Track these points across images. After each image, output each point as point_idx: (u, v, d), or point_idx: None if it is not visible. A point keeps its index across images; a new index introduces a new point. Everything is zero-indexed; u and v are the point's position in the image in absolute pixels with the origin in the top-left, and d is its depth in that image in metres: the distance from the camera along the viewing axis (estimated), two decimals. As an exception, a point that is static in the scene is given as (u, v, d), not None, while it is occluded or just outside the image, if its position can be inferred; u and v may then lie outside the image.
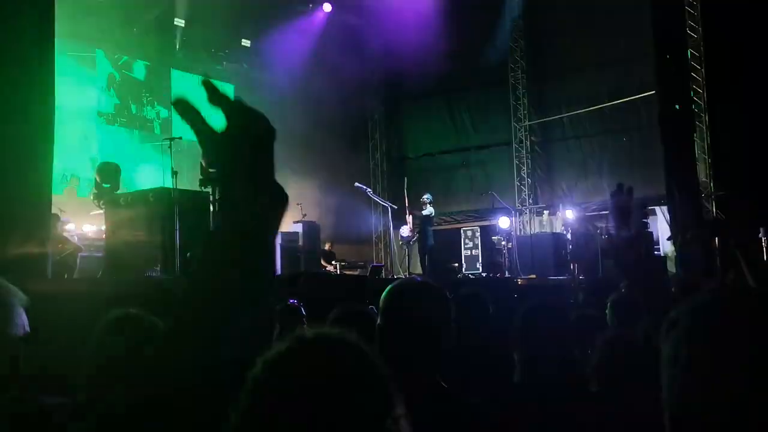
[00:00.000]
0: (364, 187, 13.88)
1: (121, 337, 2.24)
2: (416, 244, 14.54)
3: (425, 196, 14.69)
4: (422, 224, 14.33)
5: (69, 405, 2.24)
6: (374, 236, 20.82)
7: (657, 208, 16.76)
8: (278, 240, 12.25)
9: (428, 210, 14.41)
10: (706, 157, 16.39)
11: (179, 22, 16.74)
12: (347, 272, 15.17)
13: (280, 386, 1.08)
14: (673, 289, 5.21)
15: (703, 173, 16.36)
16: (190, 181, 11.21)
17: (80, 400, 2.23)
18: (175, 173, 9.67)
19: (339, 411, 1.05)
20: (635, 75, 17.46)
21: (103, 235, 10.84)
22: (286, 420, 1.05)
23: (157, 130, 17.25)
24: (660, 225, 16.78)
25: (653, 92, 15.35)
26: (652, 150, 16.20)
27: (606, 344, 2.89)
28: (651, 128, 16.15)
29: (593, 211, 17.53)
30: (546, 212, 17.75)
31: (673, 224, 14.76)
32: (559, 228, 16.05)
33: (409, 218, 14.66)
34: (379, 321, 2.24)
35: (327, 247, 15.40)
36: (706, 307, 1.12)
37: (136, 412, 2.01)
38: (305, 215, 13.87)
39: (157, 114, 17.48)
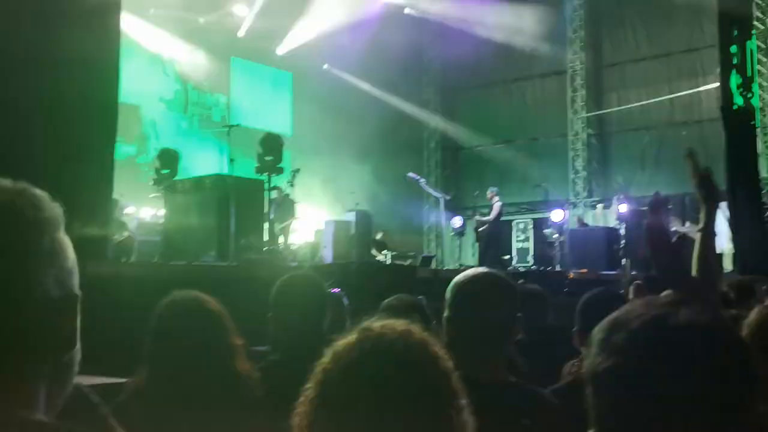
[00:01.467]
0: (417, 177, 13.88)
1: (181, 318, 2.29)
2: (482, 235, 14.37)
3: (492, 189, 14.51)
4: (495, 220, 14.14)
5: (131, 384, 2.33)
6: (426, 226, 20.82)
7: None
8: (331, 228, 12.37)
9: (497, 206, 14.19)
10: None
11: (241, 9, 16.96)
12: (399, 261, 15.22)
13: (347, 378, 1.12)
14: (726, 290, 5.12)
15: (765, 169, 15.95)
16: (246, 168, 11.39)
17: (139, 381, 2.30)
18: (232, 160, 9.83)
19: (404, 402, 1.09)
20: (696, 66, 17.10)
21: (161, 219, 11.11)
22: (353, 411, 1.09)
23: (216, 117, 17.54)
24: (718, 220, 16.41)
25: (716, 84, 15.00)
26: (712, 144, 15.86)
27: None
28: (712, 121, 15.82)
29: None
30: (600, 205, 17.52)
31: (732, 221, 14.43)
32: (613, 222, 15.82)
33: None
34: (446, 312, 2.24)
35: (379, 236, 15.46)
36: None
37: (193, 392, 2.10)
38: (358, 204, 13.94)
39: (216, 100, 17.77)
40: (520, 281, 8.39)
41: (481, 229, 14.48)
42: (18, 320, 0.95)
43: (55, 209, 1.04)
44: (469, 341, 2.13)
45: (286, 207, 12.44)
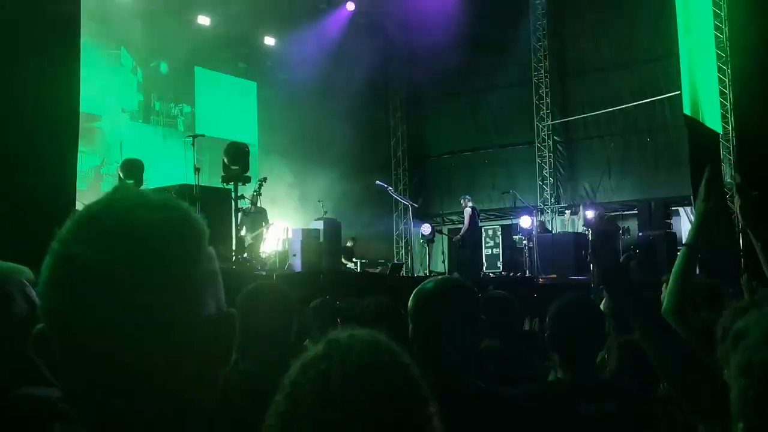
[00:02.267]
0: (385, 185, 13.87)
1: None
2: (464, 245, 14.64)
3: (463, 197, 14.91)
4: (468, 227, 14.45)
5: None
6: (395, 234, 20.84)
7: (681, 209, 16.63)
8: (299, 236, 12.30)
9: (467, 212, 14.57)
10: (731, 157, 16.23)
11: (203, 20, 16.86)
12: (368, 269, 15.20)
13: (317, 390, 1.10)
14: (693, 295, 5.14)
15: (728, 174, 16.21)
16: (212, 177, 11.27)
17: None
18: (197, 170, 9.72)
19: (375, 413, 1.08)
20: (659, 75, 17.33)
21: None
22: (324, 424, 1.08)
23: (181, 127, 17.37)
24: (684, 225, 16.65)
25: (678, 92, 15.23)
26: (676, 150, 16.09)
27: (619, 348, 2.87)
28: (676, 128, 16.05)
29: (615, 211, 17.42)
30: (568, 212, 17.66)
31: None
32: (580, 228, 15.97)
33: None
34: (411, 322, 2.23)
35: (349, 243, 15.43)
36: None
37: None
38: (326, 212, 13.89)
39: (181, 110, 17.59)
40: (489, 287, 8.41)
41: (460, 244, 14.70)
42: (182, 346, 0.88)
43: (201, 218, 0.96)
44: (434, 349, 2.13)
45: (257, 216, 12.37)
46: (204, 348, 0.90)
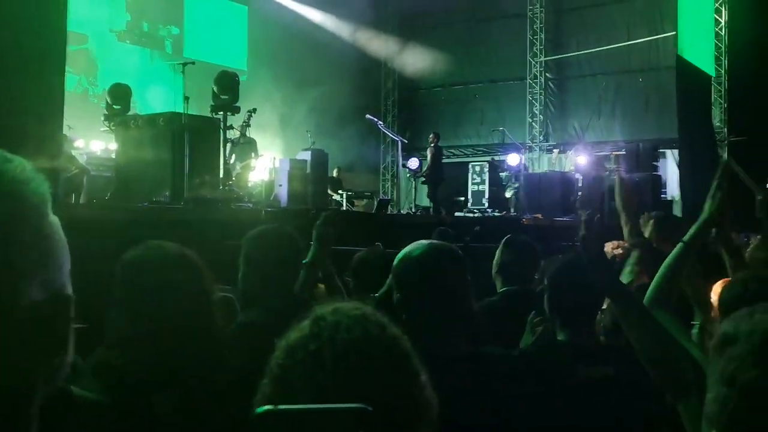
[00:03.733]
0: (375, 119, 13.76)
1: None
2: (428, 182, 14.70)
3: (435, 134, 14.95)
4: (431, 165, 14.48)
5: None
6: (381, 166, 20.78)
7: (668, 151, 16.66)
8: (286, 167, 12.25)
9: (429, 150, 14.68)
10: (722, 101, 16.20)
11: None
12: (354, 201, 15.20)
13: (305, 372, 1.08)
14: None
15: (717, 118, 16.21)
16: (201, 105, 11.13)
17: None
18: (186, 98, 9.59)
19: (367, 390, 1.06)
20: (655, 14, 17.12)
21: (112, 155, 10.85)
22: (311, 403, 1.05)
23: (169, 49, 17.06)
24: (670, 168, 16.71)
25: (673, 33, 15.09)
26: (666, 92, 16.01)
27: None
28: (668, 70, 15.93)
29: (604, 152, 17.41)
30: (556, 151, 17.64)
31: (682, 169, 14.69)
32: (568, 167, 15.97)
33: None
34: (396, 293, 2.20)
35: (335, 173, 15.38)
36: None
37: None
38: (314, 143, 13.81)
39: (169, 32, 17.24)
40: (476, 228, 8.47)
41: (422, 180, 14.78)
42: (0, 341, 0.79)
43: (38, 184, 0.83)
44: (423, 316, 2.11)
45: (246, 146, 12.30)
46: (28, 342, 0.81)
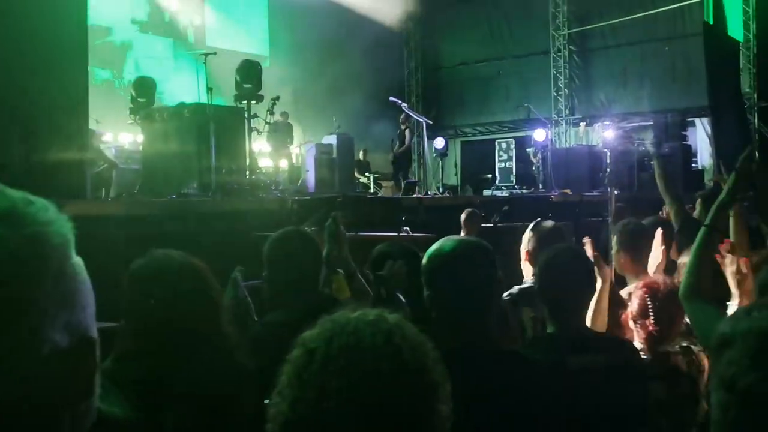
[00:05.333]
0: (399, 101, 13.68)
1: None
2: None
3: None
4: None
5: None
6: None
7: (697, 120, 16.40)
8: (313, 152, 12.31)
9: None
10: (751, 67, 15.90)
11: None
12: (381, 183, 15.21)
13: (319, 376, 1.09)
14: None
15: (746, 84, 15.91)
16: (225, 95, 11.18)
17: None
18: (210, 89, 9.63)
19: (385, 400, 1.07)
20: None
21: (140, 147, 10.94)
22: (332, 410, 1.07)
23: (191, 39, 17.09)
24: (699, 136, 16.46)
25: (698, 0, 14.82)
26: (693, 60, 15.72)
27: None
28: (694, 37, 15.63)
29: (633, 123, 17.17)
30: (582, 124, 17.44)
31: (714, 135, 14.46)
32: (596, 140, 15.78)
33: None
34: (426, 291, 2.16)
35: (361, 156, 15.37)
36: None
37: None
38: (339, 127, 13.81)
39: (191, 22, 17.27)
40: (505, 208, 8.42)
41: (391, 159, 14.99)
42: (21, 387, 0.77)
43: (60, 226, 0.82)
44: (450, 314, 2.09)
45: (282, 133, 12.52)
46: (51, 387, 0.79)
